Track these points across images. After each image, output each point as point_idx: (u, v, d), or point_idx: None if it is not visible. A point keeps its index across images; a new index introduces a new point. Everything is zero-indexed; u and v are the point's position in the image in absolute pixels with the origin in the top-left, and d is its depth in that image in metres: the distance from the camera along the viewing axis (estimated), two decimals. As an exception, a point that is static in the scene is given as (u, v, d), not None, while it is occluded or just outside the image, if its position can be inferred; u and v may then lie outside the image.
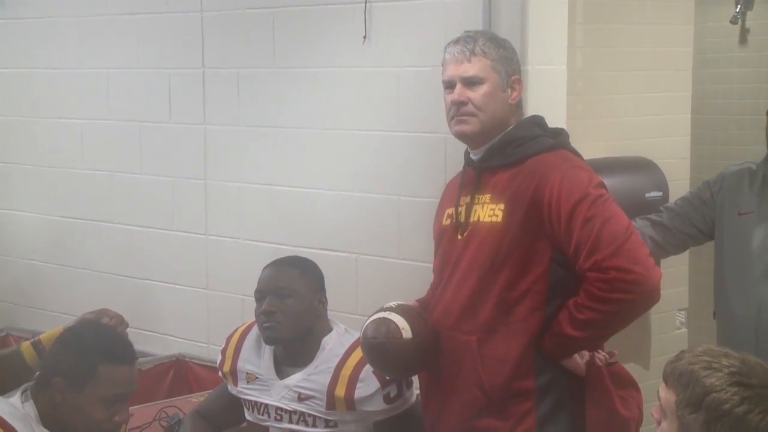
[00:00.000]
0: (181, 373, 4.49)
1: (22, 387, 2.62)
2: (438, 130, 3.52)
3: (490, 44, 2.82)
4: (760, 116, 3.57)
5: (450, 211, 2.89)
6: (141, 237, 4.63)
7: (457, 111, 2.80)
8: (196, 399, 3.88)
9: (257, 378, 3.13)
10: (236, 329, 3.29)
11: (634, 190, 3.75)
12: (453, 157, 2.84)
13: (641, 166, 3.92)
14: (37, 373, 2.69)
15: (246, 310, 3.89)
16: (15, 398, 2.58)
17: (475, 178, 2.83)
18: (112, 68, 4.66)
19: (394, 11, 3.76)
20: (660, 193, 3.86)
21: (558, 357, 2.74)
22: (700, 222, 3.54)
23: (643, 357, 3.77)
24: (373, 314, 2.87)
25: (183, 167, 4.46)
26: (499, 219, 2.72)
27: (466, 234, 2.80)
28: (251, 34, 4.17)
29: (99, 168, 4.75)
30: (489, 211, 2.76)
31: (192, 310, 4.49)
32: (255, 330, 3.18)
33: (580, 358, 2.76)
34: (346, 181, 3.94)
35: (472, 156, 2.87)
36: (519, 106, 2.87)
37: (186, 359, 4.50)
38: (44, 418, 2.54)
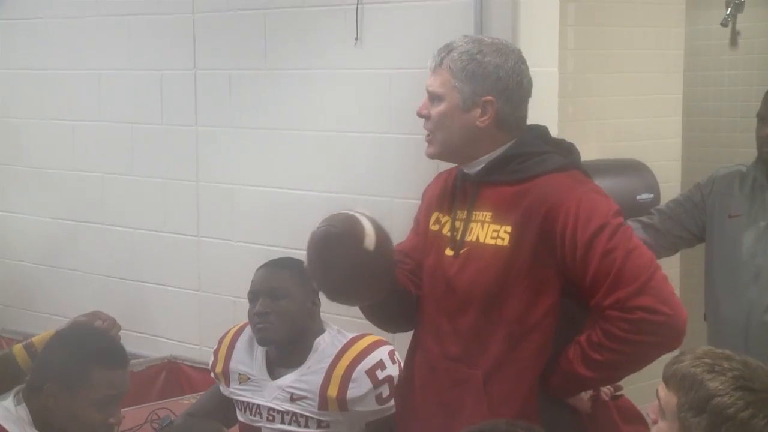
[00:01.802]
0: (172, 375, 4.49)
1: (15, 390, 2.62)
2: (430, 133, 3.52)
3: (463, 58, 2.49)
4: (750, 119, 3.59)
5: (439, 216, 2.65)
6: (132, 239, 4.62)
7: (424, 124, 2.56)
8: (188, 401, 3.88)
9: (250, 379, 3.13)
10: (229, 330, 3.29)
11: (625, 192, 3.76)
12: (445, 159, 2.84)
13: (632, 168, 3.94)
14: (28, 376, 2.68)
15: (238, 312, 3.89)
16: (8, 401, 2.57)
17: (471, 193, 2.57)
18: (103, 69, 4.66)
19: (385, 13, 3.77)
20: (651, 196, 3.87)
21: (564, 396, 2.54)
22: (691, 224, 3.55)
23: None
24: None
25: (175, 169, 4.45)
26: (506, 243, 2.46)
27: (461, 254, 2.54)
28: (243, 36, 4.17)
29: (90, 169, 4.74)
30: (492, 233, 2.50)
31: (184, 311, 4.48)
32: (247, 331, 3.18)
33: (585, 394, 2.57)
34: (338, 183, 3.94)
35: (465, 170, 2.59)
36: (503, 127, 2.52)
37: (178, 361, 4.50)
38: (37, 422, 2.53)
